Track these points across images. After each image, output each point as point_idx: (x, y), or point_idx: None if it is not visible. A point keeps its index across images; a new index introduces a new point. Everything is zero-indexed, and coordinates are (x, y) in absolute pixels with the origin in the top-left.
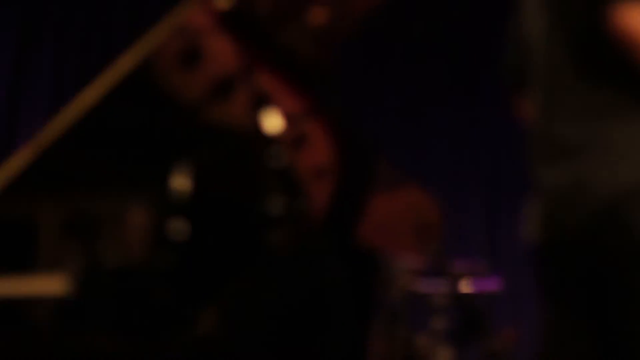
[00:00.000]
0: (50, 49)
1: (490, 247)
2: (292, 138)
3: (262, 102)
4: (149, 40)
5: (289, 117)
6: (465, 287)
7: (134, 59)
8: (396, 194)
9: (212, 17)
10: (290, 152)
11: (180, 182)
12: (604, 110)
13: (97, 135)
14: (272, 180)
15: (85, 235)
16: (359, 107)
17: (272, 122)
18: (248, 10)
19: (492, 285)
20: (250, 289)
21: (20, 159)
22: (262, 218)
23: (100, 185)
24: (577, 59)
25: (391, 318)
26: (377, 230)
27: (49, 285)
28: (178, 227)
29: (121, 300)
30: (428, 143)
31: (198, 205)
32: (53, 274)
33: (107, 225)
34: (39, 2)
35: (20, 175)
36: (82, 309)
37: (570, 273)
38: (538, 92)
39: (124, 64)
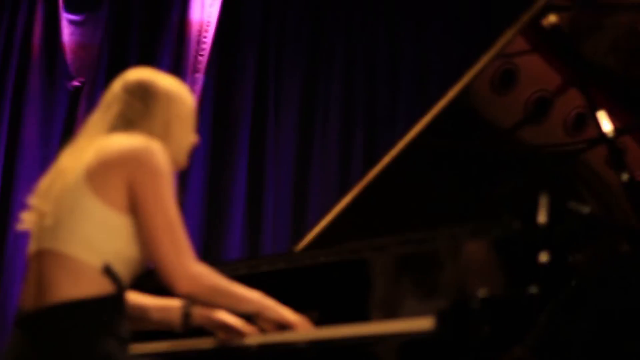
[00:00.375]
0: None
1: None
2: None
3: (581, 119)
4: (474, 67)
5: (604, 135)
6: None
7: (459, 86)
8: None
9: (531, 37)
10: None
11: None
12: None
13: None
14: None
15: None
16: None
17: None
18: (565, 27)
19: None
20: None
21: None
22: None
23: (435, 216)
24: None
25: None
26: None
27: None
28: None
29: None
30: None
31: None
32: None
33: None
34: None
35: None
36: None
37: None
38: None
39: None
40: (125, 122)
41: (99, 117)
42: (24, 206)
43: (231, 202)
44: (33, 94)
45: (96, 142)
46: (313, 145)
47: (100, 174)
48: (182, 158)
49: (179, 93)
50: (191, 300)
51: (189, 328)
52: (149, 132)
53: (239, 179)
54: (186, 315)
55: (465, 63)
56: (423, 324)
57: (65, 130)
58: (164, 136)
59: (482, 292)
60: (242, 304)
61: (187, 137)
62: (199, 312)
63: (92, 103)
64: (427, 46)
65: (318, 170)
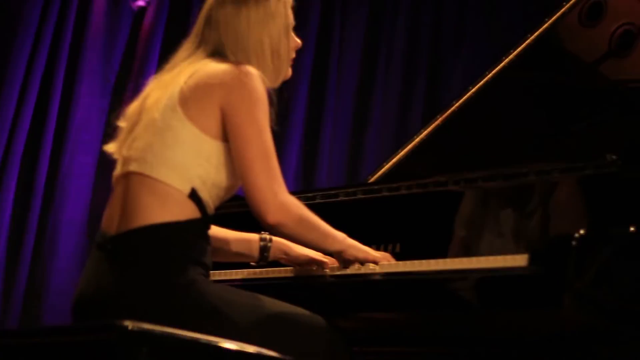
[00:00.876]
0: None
1: None
2: None
3: None
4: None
5: None
6: None
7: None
8: None
9: None
10: None
11: None
12: None
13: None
14: None
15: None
16: None
17: None
18: None
19: None
20: None
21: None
22: None
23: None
24: None
25: None
26: None
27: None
28: None
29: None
30: None
31: None
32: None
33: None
34: None
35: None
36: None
37: None
38: None
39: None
40: (218, 49)
41: (193, 40)
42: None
43: (289, 134)
44: (97, 16)
45: (191, 67)
46: (375, 84)
47: (194, 98)
48: (285, 68)
49: (272, 3)
50: (278, 231)
51: (266, 262)
52: (245, 45)
53: (298, 111)
54: (265, 248)
55: None
56: (517, 260)
57: (127, 52)
58: (261, 55)
59: (577, 232)
60: (328, 240)
61: (286, 46)
62: (277, 246)
63: (156, 24)
64: None
65: (379, 106)
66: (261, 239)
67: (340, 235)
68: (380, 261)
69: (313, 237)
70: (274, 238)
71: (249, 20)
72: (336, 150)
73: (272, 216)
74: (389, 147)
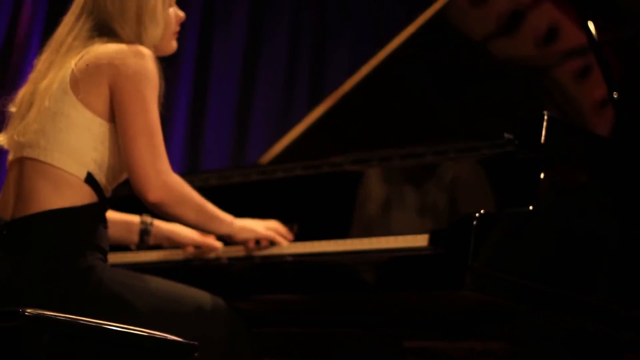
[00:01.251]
0: None
1: None
2: (578, 70)
3: (551, 33)
4: None
5: (575, 49)
6: None
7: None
8: None
9: None
10: (575, 85)
11: None
12: None
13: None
14: None
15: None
16: None
17: None
18: None
19: None
20: None
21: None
22: None
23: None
24: None
25: None
26: None
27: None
28: None
29: None
30: None
31: None
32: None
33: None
34: None
35: None
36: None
37: None
38: None
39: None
40: (102, 21)
41: (74, 11)
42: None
43: (173, 117)
44: None
45: (80, 46)
46: (259, 66)
47: (84, 80)
48: (170, 40)
49: None
50: (159, 210)
51: (147, 246)
52: (128, 23)
53: (182, 94)
54: (145, 232)
55: None
56: (418, 240)
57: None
58: (144, 20)
59: (477, 211)
60: (214, 222)
61: (169, 16)
62: (159, 230)
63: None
64: None
65: (263, 86)
66: (141, 222)
67: (227, 217)
68: (271, 236)
69: (197, 218)
70: (156, 222)
71: None
72: (221, 131)
73: (154, 194)
74: (275, 127)
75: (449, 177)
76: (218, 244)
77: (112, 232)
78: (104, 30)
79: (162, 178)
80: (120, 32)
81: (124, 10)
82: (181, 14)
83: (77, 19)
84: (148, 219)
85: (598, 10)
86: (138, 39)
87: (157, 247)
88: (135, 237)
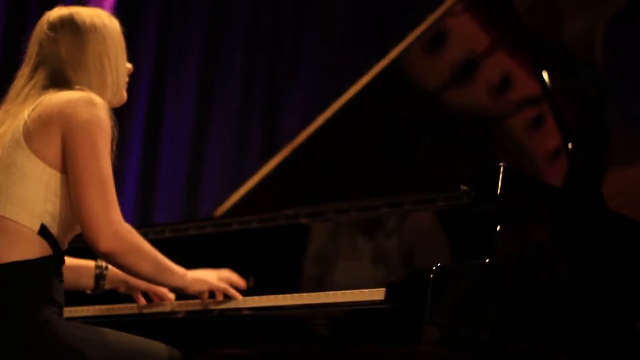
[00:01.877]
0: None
1: None
2: (532, 119)
3: (504, 82)
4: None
5: (529, 98)
6: None
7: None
8: None
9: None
10: (529, 134)
11: None
12: None
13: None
14: None
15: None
16: None
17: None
18: None
19: None
20: None
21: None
22: None
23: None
24: None
25: None
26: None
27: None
28: None
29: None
30: None
31: None
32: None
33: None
34: None
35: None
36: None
37: None
38: None
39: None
40: (58, 70)
41: (28, 63)
42: None
43: (126, 168)
44: None
45: (35, 95)
46: (212, 115)
47: (37, 131)
48: (122, 91)
49: (105, 23)
50: (110, 260)
51: (102, 290)
52: (84, 72)
53: (135, 140)
54: (100, 276)
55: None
56: (375, 294)
57: None
58: (100, 72)
59: (434, 264)
60: (165, 273)
61: (123, 67)
62: (114, 274)
63: None
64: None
65: (216, 140)
66: (97, 267)
67: (180, 270)
68: (223, 289)
69: (148, 269)
70: (111, 266)
71: (86, 39)
72: (174, 183)
73: (105, 244)
74: (228, 177)
75: (406, 230)
76: (171, 295)
77: (67, 277)
78: (58, 79)
79: (114, 227)
80: (74, 81)
81: (80, 59)
82: (129, 65)
83: (34, 69)
84: (103, 263)
85: (552, 59)
86: (92, 88)
87: (113, 293)
88: (90, 282)
